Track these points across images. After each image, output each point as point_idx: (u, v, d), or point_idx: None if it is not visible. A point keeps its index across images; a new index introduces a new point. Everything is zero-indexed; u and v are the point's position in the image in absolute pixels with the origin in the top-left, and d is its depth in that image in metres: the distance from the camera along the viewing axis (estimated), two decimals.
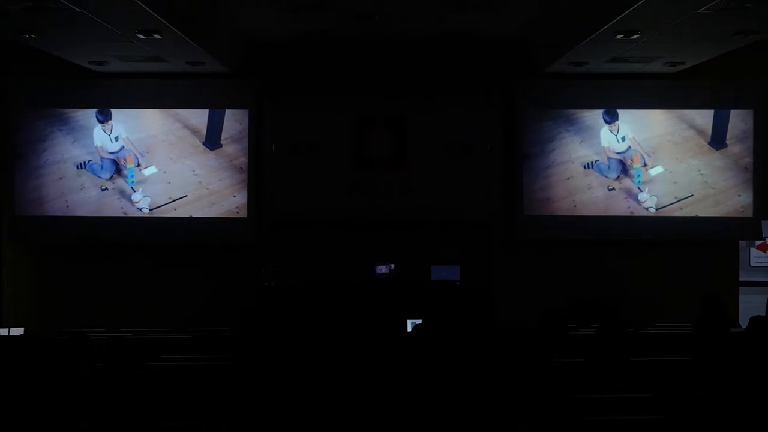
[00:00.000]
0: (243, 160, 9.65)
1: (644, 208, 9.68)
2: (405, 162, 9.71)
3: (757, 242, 9.91)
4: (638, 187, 9.69)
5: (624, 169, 9.72)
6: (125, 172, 9.62)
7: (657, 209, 9.67)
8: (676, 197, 9.70)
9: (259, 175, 9.67)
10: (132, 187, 9.61)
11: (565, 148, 9.71)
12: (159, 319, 8.75)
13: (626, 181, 9.70)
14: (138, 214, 9.59)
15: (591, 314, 8.20)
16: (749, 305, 9.34)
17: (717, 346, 4.72)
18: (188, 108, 9.65)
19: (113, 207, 9.61)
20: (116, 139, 9.63)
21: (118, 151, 9.64)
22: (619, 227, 9.66)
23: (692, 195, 9.69)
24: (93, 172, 9.62)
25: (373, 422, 3.55)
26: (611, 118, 9.73)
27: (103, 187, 9.60)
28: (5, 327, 8.34)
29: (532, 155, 9.69)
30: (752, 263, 9.98)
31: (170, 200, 9.62)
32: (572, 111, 9.72)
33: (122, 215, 9.60)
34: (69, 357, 4.18)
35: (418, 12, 8.29)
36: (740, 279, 9.88)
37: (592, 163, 9.70)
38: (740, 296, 9.76)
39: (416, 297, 8.69)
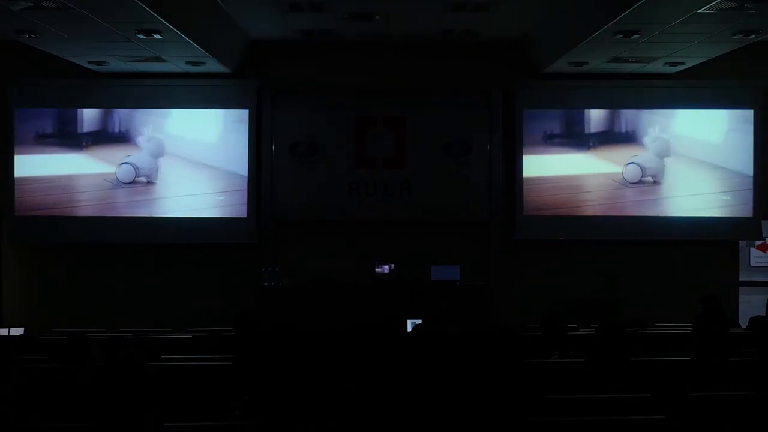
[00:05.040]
0: (243, 160, 9.66)
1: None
2: (405, 162, 9.71)
3: (757, 242, 9.91)
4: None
5: None
6: None
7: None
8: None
9: (259, 174, 9.67)
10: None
11: (565, 148, 9.72)
12: (159, 319, 8.74)
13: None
14: (138, 214, 9.60)
15: (591, 314, 8.19)
16: (749, 305, 9.34)
17: (717, 346, 4.72)
18: (188, 108, 9.66)
19: (113, 207, 9.62)
20: None
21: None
22: (619, 227, 9.66)
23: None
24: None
25: (373, 422, 3.55)
26: None
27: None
28: (5, 327, 8.34)
29: (531, 155, 9.70)
30: (752, 263, 9.98)
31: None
32: (572, 111, 9.73)
33: (122, 215, 9.59)
34: (69, 357, 4.17)
35: (418, 12, 8.30)
36: (740, 279, 9.88)
37: None
38: (740, 296, 9.76)
39: (416, 297, 8.69)
